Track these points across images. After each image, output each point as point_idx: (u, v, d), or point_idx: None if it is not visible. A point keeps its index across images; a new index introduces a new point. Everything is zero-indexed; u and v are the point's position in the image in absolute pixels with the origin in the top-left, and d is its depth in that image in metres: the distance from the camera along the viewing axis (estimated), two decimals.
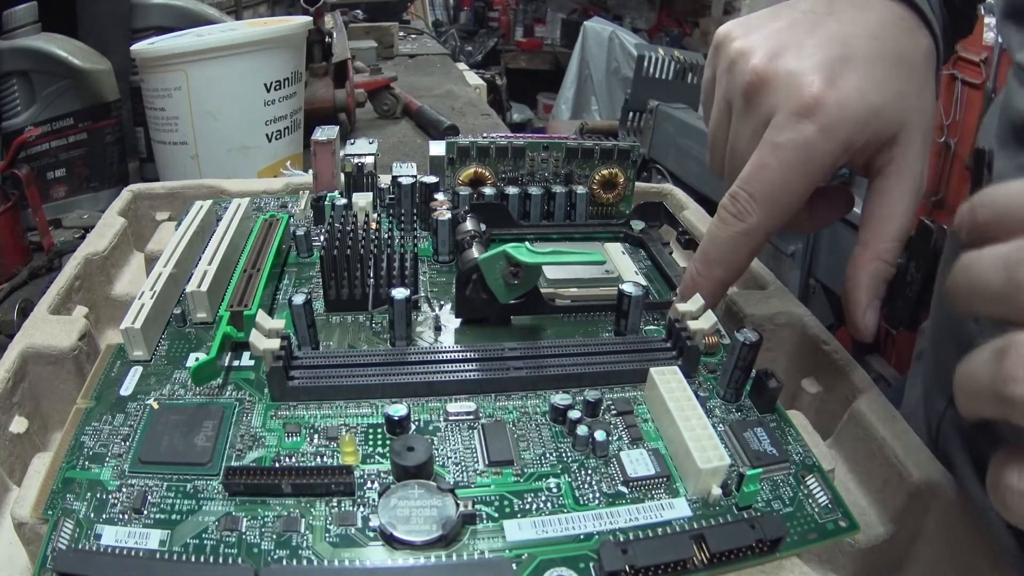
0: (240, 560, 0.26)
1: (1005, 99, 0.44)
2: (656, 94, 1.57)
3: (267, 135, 0.76)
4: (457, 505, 0.28)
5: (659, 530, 0.28)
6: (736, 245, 0.36)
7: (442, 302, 0.42)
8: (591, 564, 0.27)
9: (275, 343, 0.33)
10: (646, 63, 1.61)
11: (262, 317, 0.34)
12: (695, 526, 0.29)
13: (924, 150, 0.35)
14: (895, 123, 0.34)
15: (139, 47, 0.69)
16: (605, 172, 0.52)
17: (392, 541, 0.27)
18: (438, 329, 0.40)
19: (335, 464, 0.30)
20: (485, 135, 0.51)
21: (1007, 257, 0.22)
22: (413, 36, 2.01)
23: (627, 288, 0.39)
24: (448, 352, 0.36)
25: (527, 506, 0.29)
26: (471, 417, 0.33)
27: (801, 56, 0.34)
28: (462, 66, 1.73)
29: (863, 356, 1.55)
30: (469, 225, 0.43)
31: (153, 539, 0.27)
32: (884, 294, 0.35)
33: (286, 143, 0.79)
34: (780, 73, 0.34)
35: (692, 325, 0.36)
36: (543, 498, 0.29)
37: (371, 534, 0.27)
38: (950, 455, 0.45)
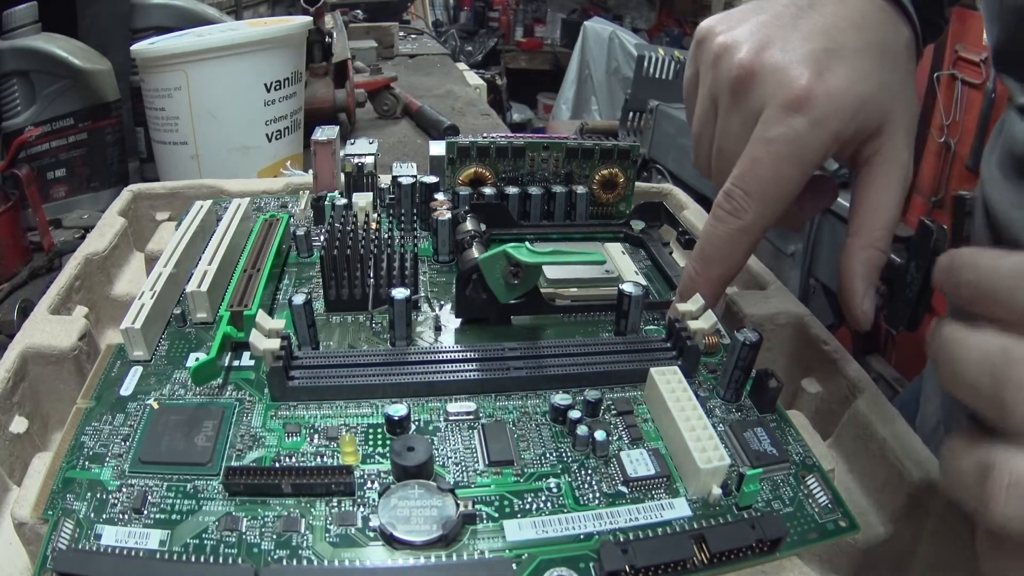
0: (240, 560, 0.26)
1: (1006, 132, 0.44)
2: (656, 94, 1.58)
3: (267, 135, 0.76)
4: (457, 505, 0.28)
5: (659, 530, 0.28)
6: (733, 242, 0.36)
7: (442, 302, 0.42)
8: (591, 564, 0.27)
9: (275, 343, 0.33)
10: (646, 63, 1.61)
11: (262, 317, 0.34)
12: (695, 526, 0.29)
13: (909, 139, 0.35)
14: (881, 113, 0.34)
15: (139, 47, 0.69)
16: (605, 172, 0.52)
17: (392, 541, 0.27)
18: (438, 329, 0.40)
19: (335, 464, 0.30)
20: (485, 135, 0.51)
21: (994, 363, 0.21)
22: (413, 36, 2.01)
23: (627, 288, 0.39)
24: (448, 352, 0.36)
25: (527, 506, 0.29)
26: (471, 417, 0.33)
27: (787, 49, 0.34)
28: (462, 66, 1.73)
29: (863, 356, 1.55)
30: (469, 225, 0.43)
31: (153, 539, 0.27)
32: (878, 281, 0.35)
33: (286, 143, 0.79)
34: (767, 66, 0.34)
35: (692, 325, 0.36)
36: (543, 498, 0.29)
37: (371, 534, 0.27)
38: None
